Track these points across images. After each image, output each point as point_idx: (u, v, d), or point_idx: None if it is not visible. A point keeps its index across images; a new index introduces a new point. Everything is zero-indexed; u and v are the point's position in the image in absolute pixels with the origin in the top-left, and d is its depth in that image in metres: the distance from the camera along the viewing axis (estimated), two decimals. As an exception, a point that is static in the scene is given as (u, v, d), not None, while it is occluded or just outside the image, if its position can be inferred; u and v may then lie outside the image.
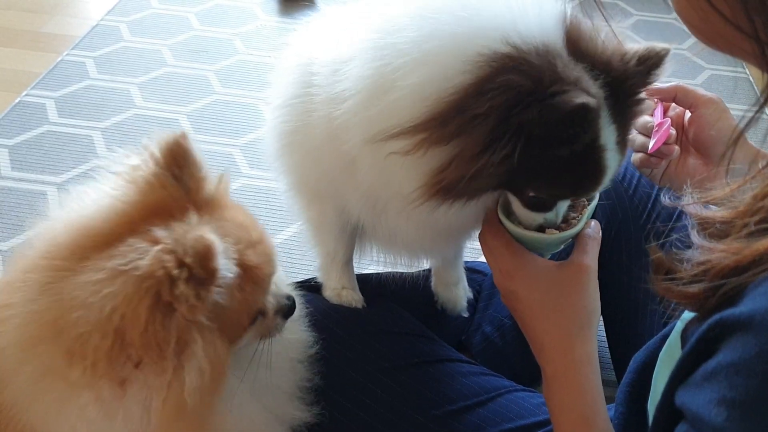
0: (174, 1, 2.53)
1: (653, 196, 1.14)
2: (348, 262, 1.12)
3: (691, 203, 0.67)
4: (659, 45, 0.80)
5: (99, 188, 0.73)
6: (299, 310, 0.93)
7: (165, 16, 2.45)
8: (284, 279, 0.96)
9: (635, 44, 0.81)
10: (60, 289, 0.65)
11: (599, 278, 0.87)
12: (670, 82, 1.02)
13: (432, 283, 1.23)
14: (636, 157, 1.02)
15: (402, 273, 1.23)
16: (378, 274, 1.23)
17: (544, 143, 0.74)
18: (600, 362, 0.85)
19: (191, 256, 0.62)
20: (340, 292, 1.10)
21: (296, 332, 0.94)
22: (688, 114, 1.01)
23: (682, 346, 0.64)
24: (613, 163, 0.80)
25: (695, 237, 0.62)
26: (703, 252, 0.60)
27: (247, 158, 1.87)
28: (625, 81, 0.79)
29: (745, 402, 0.51)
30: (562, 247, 0.91)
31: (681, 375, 0.59)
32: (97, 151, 1.85)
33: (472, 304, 1.28)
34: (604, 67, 0.78)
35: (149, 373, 0.64)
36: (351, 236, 1.08)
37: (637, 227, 1.14)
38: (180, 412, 0.66)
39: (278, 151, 1.04)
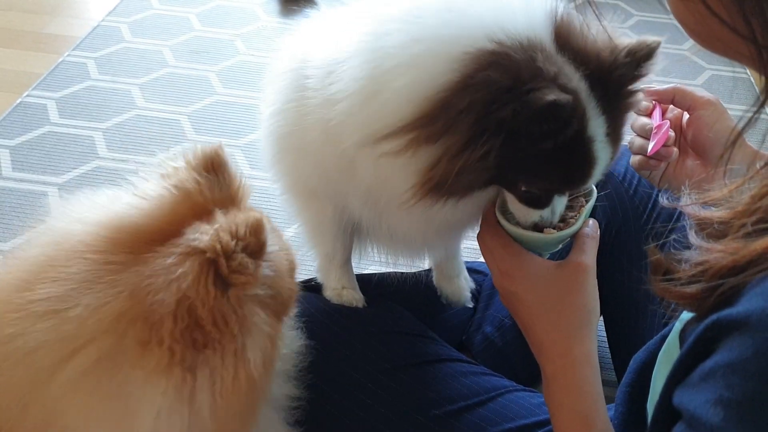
0: (175, 1, 2.53)
1: (653, 197, 1.14)
2: (347, 262, 1.12)
3: (689, 204, 0.67)
4: (650, 38, 0.81)
5: (135, 189, 0.77)
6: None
7: (166, 17, 2.45)
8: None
9: (628, 39, 0.82)
10: (125, 280, 0.67)
11: (600, 279, 0.88)
12: (670, 83, 1.02)
13: (434, 278, 1.24)
14: (635, 159, 1.02)
15: (403, 273, 1.24)
16: (379, 274, 1.24)
17: (526, 138, 0.75)
18: (600, 363, 0.85)
19: (245, 230, 0.68)
20: (341, 292, 1.10)
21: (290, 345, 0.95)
22: (686, 116, 1.01)
23: (681, 347, 0.64)
24: (603, 154, 0.80)
25: (693, 237, 0.62)
26: (701, 252, 0.60)
27: (248, 159, 1.87)
28: (614, 72, 0.79)
29: (742, 402, 0.51)
30: (561, 246, 0.91)
31: (679, 375, 0.59)
32: (98, 151, 1.86)
33: (475, 299, 1.28)
34: (591, 60, 0.78)
35: (217, 353, 0.68)
36: (349, 236, 1.09)
37: (637, 228, 1.14)
38: (249, 388, 0.70)
39: (275, 155, 1.05)
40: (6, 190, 1.72)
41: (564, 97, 0.72)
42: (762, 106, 0.59)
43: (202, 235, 0.68)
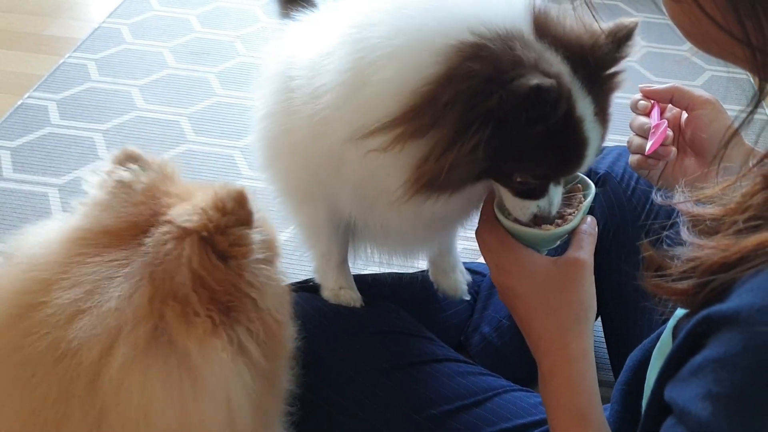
0: (175, 3, 2.54)
1: (651, 197, 1.14)
2: (343, 262, 1.12)
3: (682, 201, 0.67)
4: (627, 19, 0.83)
5: (82, 202, 0.80)
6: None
7: (166, 19, 2.46)
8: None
9: (604, 24, 0.83)
10: (137, 271, 0.71)
11: (597, 279, 0.88)
12: (668, 83, 1.02)
13: (430, 273, 1.24)
14: (633, 158, 1.02)
15: (400, 273, 1.24)
16: (376, 274, 1.24)
17: (515, 125, 0.76)
18: (598, 363, 0.85)
19: (232, 204, 0.71)
20: (338, 292, 1.11)
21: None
22: (685, 115, 1.01)
23: (673, 342, 0.64)
24: (594, 134, 0.81)
25: (686, 234, 0.63)
26: (693, 249, 0.61)
27: (248, 160, 1.87)
28: (595, 54, 0.81)
29: (730, 397, 0.52)
30: (559, 243, 0.91)
31: (670, 370, 0.59)
32: (98, 152, 1.86)
33: (472, 300, 1.28)
34: (572, 44, 0.80)
35: (241, 311, 0.74)
36: (344, 235, 1.09)
37: (635, 227, 1.14)
38: (278, 329, 0.78)
39: (267, 159, 1.06)
40: (7, 192, 1.73)
41: (547, 81, 0.73)
42: (757, 106, 0.59)
43: (189, 215, 0.71)
